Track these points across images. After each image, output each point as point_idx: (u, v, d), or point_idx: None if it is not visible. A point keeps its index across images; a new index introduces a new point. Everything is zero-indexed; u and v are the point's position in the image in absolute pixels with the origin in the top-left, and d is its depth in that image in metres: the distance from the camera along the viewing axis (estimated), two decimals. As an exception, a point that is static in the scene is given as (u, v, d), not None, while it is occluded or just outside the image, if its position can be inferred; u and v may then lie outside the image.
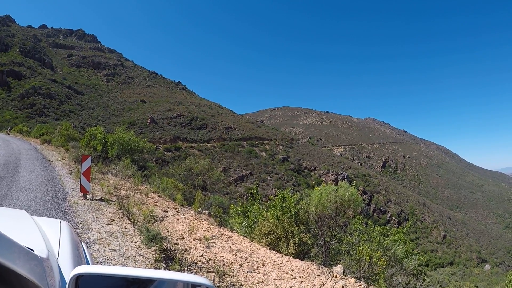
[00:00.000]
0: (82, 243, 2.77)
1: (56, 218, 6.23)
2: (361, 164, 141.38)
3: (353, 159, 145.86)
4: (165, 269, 5.78)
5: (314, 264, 7.49)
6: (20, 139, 35.47)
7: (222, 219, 10.53)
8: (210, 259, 6.61)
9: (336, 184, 9.41)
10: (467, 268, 71.84)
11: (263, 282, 6.12)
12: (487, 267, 72.84)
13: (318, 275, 6.85)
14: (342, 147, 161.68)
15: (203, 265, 6.25)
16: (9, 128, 49.91)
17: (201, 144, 79.46)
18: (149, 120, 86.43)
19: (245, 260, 6.95)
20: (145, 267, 5.69)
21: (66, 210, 8.43)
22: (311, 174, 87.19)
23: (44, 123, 63.39)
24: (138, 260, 5.92)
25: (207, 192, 17.13)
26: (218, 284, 5.69)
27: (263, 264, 6.90)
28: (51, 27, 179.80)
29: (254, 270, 6.50)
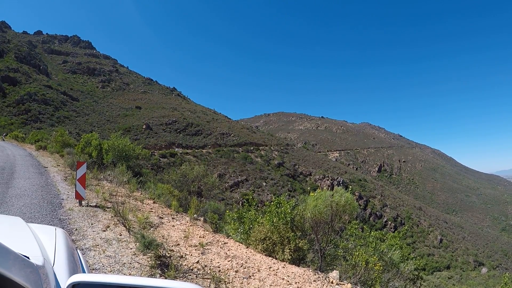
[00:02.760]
0: (78, 250, 2.77)
1: (51, 224, 6.21)
2: (356, 169, 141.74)
3: (349, 164, 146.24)
4: (160, 275, 5.77)
5: (310, 270, 7.49)
6: (15, 145, 35.32)
7: (217, 225, 10.51)
8: (205, 266, 6.59)
9: (332, 189, 9.43)
10: (464, 271, 71.91)
11: (259, 288, 6.12)
12: (484, 270, 72.93)
13: (314, 280, 6.85)
14: (338, 152, 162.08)
15: (198, 272, 6.24)
16: (4, 134, 49.69)
17: (196, 150, 79.29)
18: (144, 126, 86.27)
19: (241, 266, 6.94)
20: (141, 274, 5.68)
21: (61, 217, 8.40)
22: (307, 179, 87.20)
23: (39, 129, 63.16)
24: (133, 267, 5.90)
25: (202, 198, 17.10)
26: (214, 291, 5.69)
27: (259, 270, 6.89)
28: (47, 33, 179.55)
29: (250, 276, 6.49)
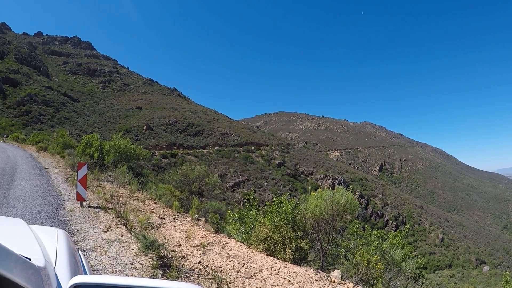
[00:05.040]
0: (79, 251, 2.77)
1: (52, 226, 6.21)
2: (357, 168, 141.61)
3: (350, 163, 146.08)
4: (162, 276, 5.77)
5: (312, 270, 7.49)
6: (16, 146, 35.32)
7: (219, 225, 10.51)
8: (207, 266, 6.59)
9: (333, 188, 9.43)
10: (465, 270, 71.87)
11: (260, 288, 6.12)
12: (485, 268, 72.87)
13: (316, 280, 6.85)
14: (338, 151, 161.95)
15: (200, 272, 6.23)
16: (5, 136, 49.70)
17: (197, 150, 79.30)
18: (145, 127, 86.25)
19: (243, 266, 6.94)
20: (142, 275, 5.68)
21: (63, 218, 8.40)
22: (308, 179, 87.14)
23: (40, 130, 63.23)
24: (135, 268, 5.90)
25: (203, 199, 17.12)
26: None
27: (260, 270, 6.89)
28: (47, 35, 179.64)
29: (251, 277, 6.49)
